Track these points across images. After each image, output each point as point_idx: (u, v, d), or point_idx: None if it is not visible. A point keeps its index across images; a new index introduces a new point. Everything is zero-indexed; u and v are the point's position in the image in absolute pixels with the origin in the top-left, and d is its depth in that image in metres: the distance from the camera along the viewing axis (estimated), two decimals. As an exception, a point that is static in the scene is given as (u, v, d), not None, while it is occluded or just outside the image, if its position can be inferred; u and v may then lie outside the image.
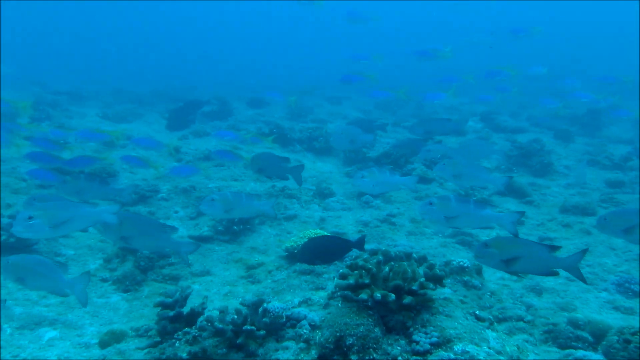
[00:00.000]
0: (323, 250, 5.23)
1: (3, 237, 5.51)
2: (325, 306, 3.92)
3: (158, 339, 3.79)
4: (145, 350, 3.84)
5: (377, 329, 3.08)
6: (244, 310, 3.61)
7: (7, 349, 4.04)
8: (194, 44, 41.13)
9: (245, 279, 5.46)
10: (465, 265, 4.69)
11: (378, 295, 3.10)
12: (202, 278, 5.56)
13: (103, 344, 4.23)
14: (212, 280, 5.51)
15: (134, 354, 4.01)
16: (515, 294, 4.96)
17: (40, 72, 22.40)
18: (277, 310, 3.61)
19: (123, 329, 4.40)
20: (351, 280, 3.17)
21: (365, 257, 3.32)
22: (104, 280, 5.43)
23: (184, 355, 3.41)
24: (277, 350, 3.48)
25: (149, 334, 4.41)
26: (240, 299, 3.98)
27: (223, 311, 3.63)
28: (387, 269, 3.22)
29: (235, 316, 3.53)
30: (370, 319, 3.11)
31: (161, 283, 5.45)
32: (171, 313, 3.70)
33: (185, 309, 3.83)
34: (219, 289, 5.31)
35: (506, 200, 7.75)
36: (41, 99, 13.07)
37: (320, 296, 4.39)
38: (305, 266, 5.32)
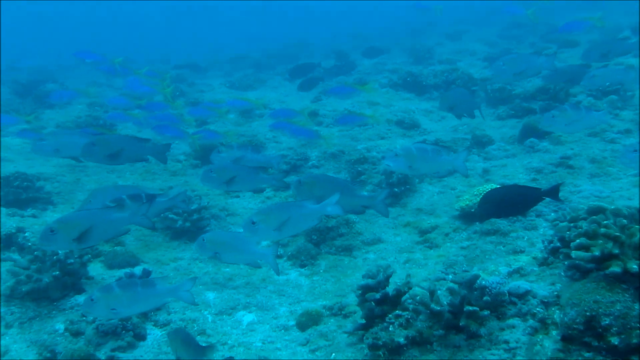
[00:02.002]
0: (509, 202, 4.77)
1: (179, 223, 5.64)
2: (541, 277, 3.53)
3: (363, 321, 3.63)
4: (353, 335, 3.71)
5: (636, 306, 2.65)
6: (457, 288, 3.32)
7: (214, 336, 4.10)
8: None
9: (422, 244, 5.18)
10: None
11: (634, 266, 2.65)
12: (374, 246, 5.36)
13: (302, 326, 4.17)
14: (386, 248, 5.30)
15: (337, 336, 3.90)
16: None
17: (155, 48, 23.08)
18: (495, 286, 3.28)
19: (317, 309, 4.31)
20: (596, 252, 2.75)
21: (606, 222, 2.85)
22: (279, 256, 5.39)
23: (401, 340, 3.20)
24: (502, 329, 3.17)
25: (343, 312, 4.30)
26: (451, 276, 3.70)
27: (433, 291, 3.36)
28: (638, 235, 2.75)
29: (451, 296, 3.26)
30: (626, 295, 2.68)
31: (335, 255, 5.32)
32: (377, 295, 3.49)
33: (389, 289, 3.61)
34: (395, 257, 5.08)
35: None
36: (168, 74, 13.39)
37: (524, 262, 4.01)
38: (487, 226, 4.93)
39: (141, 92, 8.23)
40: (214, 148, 7.84)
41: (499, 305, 3.27)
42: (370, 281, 3.60)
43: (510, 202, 4.79)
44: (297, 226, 3.98)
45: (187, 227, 5.68)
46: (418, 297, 3.36)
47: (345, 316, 4.22)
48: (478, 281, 3.30)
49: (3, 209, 5.80)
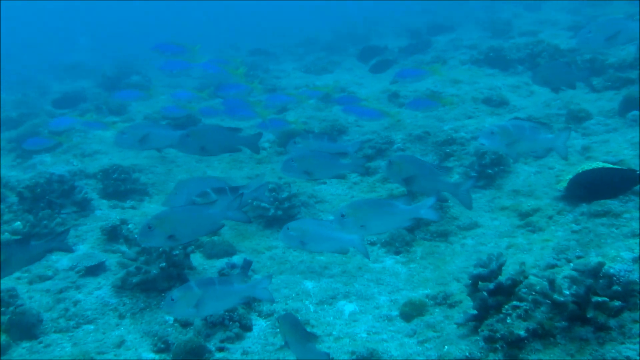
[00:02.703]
0: (602, 185, 4.47)
1: (271, 212, 5.68)
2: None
3: (474, 312, 3.50)
4: (463, 326, 3.60)
5: None
6: (579, 276, 3.12)
7: (318, 327, 4.09)
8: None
9: (523, 228, 4.96)
10: None
11: None
12: (472, 231, 5.20)
13: (406, 316, 4.09)
14: (484, 233, 5.12)
15: (446, 327, 3.80)
16: None
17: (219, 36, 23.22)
18: (624, 274, 3.06)
19: (420, 299, 4.22)
20: None
21: None
22: (372, 243, 5.33)
23: (522, 332, 3.06)
24: (635, 321, 2.96)
25: (448, 302, 4.19)
26: (572, 265, 3.50)
27: (553, 280, 3.18)
28: None
29: (574, 285, 3.07)
30: None
31: (431, 241, 5.20)
32: (491, 285, 3.36)
33: (502, 278, 3.47)
34: (496, 242, 4.90)
35: None
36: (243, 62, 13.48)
37: (647, 246, 3.74)
38: (595, 207, 4.64)
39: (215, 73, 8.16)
40: (297, 134, 7.90)
41: (629, 295, 3.06)
42: (482, 270, 3.47)
43: (604, 185, 4.49)
44: (386, 225, 3.92)
45: (279, 215, 5.72)
46: (538, 287, 3.19)
47: (451, 306, 4.11)
48: (604, 269, 3.09)
49: (104, 201, 6.05)
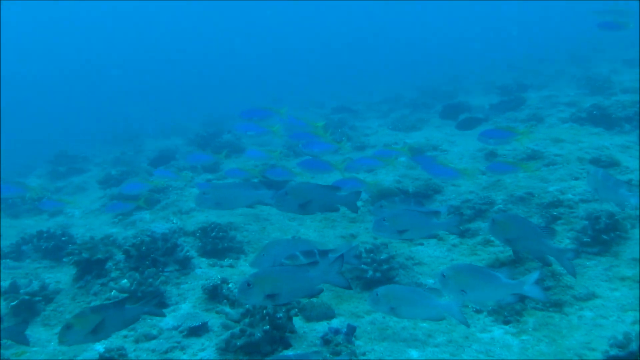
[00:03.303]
0: None
1: (369, 273, 5.53)
2: None
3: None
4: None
5: None
6: None
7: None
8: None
9: (653, 303, 4.53)
10: None
11: None
12: (589, 302, 4.80)
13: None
14: (603, 305, 4.71)
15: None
16: None
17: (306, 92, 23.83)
18: None
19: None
20: None
21: None
22: (478, 311, 5.03)
23: None
24: None
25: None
26: None
27: None
28: None
29: None
30: None
31: (543, 311, 4.84)
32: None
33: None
34: (619, 316, 4.49)
35: None
36: (329, 120, 13.66)
37: None
38: None
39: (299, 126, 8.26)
40: (390, 193, 7.80)
41: None
42: (619, 352, 3.15)
43: None
44: (486, 296, 3.84)
45: (377, 277, 5.56)
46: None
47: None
48: None
49: (204, 259, 6.13)
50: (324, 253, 4.15)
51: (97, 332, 3.36)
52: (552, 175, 7.04)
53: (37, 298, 5.38)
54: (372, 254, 5.69)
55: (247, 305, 4.37)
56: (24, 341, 4.41)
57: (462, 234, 6.33)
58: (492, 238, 5.95)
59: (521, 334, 4.62)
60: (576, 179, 6.91)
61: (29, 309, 5.33)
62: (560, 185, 6.73)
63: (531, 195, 6.64)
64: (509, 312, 4.86)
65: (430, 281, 5.71)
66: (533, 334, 4.58)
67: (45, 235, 6.91)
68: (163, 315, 4.64)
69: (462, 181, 7.62)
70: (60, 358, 4.53)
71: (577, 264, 5.35)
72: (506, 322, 4.82)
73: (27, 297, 5.32)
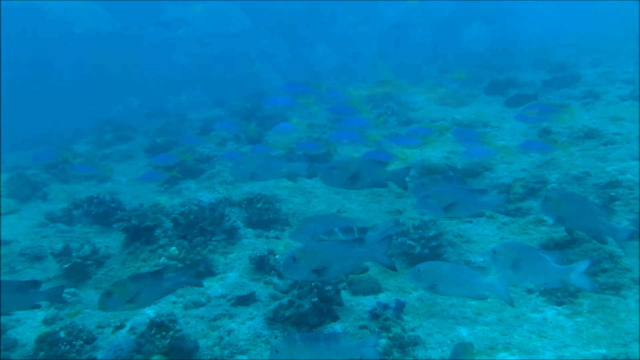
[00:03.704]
0: None
1: (417, 249, 5.44)
2: None
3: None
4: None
5: None
6: None
7: (479, 382, 3.76)
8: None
9: None
10: None
11: None
12: (649, 286, 4.60)
13: (583, 379, 3.65)
14: (664, 289, 4.51)
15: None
16: None
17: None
18: None
19: (596, 359, 3.76)
20: None
21: None
22: (530, 291, 4.89)
23: None
24: None
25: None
26: None
27: None
28: None
29: None
30: None
31: (599, 293, 4.67)
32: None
33: None
34: (681, 301, 4.29)
35: None
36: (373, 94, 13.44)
37: None
38: None
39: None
40: (438, 169, 7.64)
41: None
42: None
43: None
44: (533, 278, 3.74)
45: (425, 254, 5.47)
46: None
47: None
48: None
49: (250, 230, 6.15)
50: (364, 230, 4.08)
51: (134, 301, 3.39)
52: (610, 155, 6.74)
53: (88, 262, 5.49)
54: (420, 230, 5.60)
55: (293, 278, 4.35)
56: (62, 302, 4.60)
57: (512, 214, 6.15)
58: (545, 217, 5.77)
59: (575, 315, 4.48)
60: (636, 159, 6.60)
61: (81, 272, 5.46)
62: (620, 165, 6.44)
63: (587, 174, 6.38)
64: (562, 293, 4.72)
65: (479, 259, 5.58)
66: (588, 316, 4.43)
67: (95, 200, 7.04)
68: (201, 286, 4.68)
69: (514, 158, 7.40)
70: (112, 320, 4.63)
71: (636, 246, 5.15)
72: (559, 303, 4.68)
73: (79, 261, 5.44)
